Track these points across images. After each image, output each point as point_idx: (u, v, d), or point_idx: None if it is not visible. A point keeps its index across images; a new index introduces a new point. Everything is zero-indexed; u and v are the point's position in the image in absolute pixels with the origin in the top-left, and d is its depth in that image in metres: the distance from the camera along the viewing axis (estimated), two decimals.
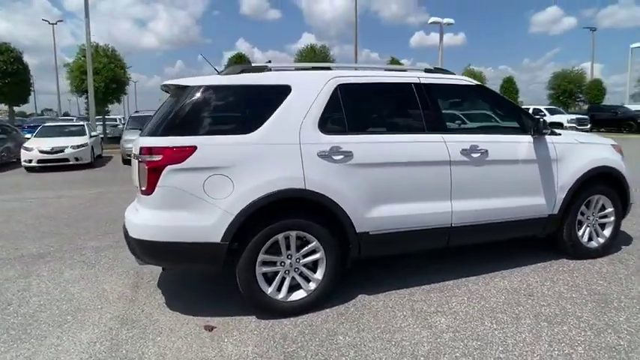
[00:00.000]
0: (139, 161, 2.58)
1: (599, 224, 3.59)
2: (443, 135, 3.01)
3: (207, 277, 3.44)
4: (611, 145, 3.70)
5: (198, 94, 2.66)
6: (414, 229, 2.92)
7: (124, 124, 19.75)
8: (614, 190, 3.56)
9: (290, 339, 2.45)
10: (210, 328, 2.59)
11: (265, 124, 2.65)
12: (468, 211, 3.04)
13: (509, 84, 31.49)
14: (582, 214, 3.49)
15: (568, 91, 33.29)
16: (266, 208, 2.56)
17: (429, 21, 24.51)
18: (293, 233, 2.68)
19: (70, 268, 3.73)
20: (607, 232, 3.60)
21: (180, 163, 2.48)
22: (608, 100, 31.89)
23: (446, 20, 24.44)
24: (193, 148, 2.50)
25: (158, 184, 2.50)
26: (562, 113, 23.59)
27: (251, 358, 2.27)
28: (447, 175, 2.97)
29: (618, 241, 3.78)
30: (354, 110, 2.90)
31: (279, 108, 2.70)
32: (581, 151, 3.44)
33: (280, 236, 2.65)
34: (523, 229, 3.34)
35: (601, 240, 3.59)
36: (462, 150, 3.00)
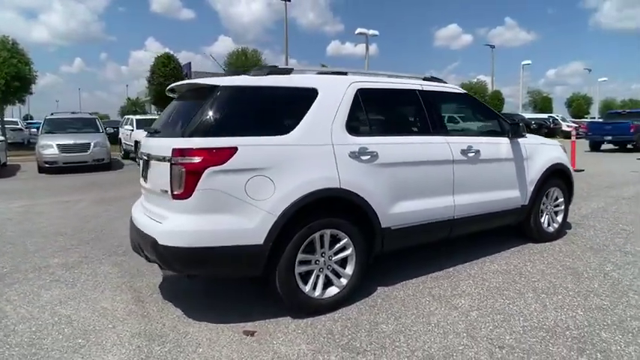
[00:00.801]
0: (172, 164, 2.43)
1: (554, 212, 4.27)
2: (445, 137, 3.35)
3: (209, 283, 3.32)
4: (560, 145, 4.44)
5: (232, 95, 2.60)
6: (426, 223, 3.19)
7: (28, 127, 17.24)
8: (564, 183, 4.28)
9: (337, 333, 2.52)
10: (250, 333, 2.54)
11: (299, 125, 2.70)
12: (466, 204, 3.41)
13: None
14: (543, 203, 4.13)
15: None
16: (305, 208, 2.60)
17: (356, 32, 25.79)
18: (328, 231, 2.75)
19: (44, 289, 3.27)
20: (559, 218, 4.30)
21: (221, 164, 2.41)
22: (504, 109, 36.74)
23: (371, 32, 25.95)
24: (234, 149, 2.44)
25: (197, 187, 2.38)
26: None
27: (309, 355, 2.30)
28: (450, 172, 3.31)
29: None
30: (373, 113, 3.09)
31: (310, 110, 2.76)
32: (543, 150, 4.09)
33: (317, 235, 2.71)
34: (504, 219, 3.83)
35: (556, 225, 4.27)
36: (461, 150, 3.36)
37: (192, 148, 2.40)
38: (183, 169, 2.39)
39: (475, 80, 38.36)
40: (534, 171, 3.92)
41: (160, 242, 2.45)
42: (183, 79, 22.33)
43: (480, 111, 3.98)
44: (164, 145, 2.54)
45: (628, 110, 18.87)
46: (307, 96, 2.80)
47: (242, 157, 2.45)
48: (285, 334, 2.52)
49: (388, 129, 3.27)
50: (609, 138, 15.61)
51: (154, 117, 16.15)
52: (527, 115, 28.02)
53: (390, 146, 3.00)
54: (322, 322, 2.67)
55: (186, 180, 2.39)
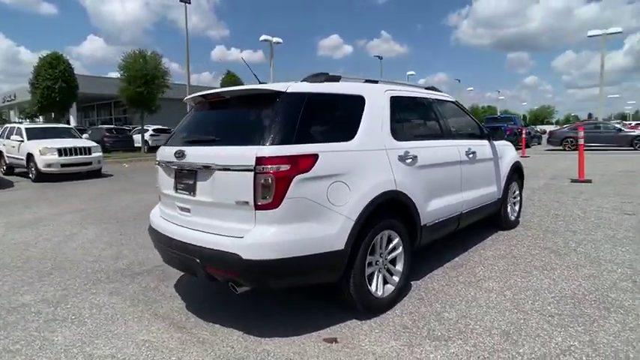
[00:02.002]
0: (257, 173, 2.29)
1: (513, 202, 5.06)
2: (453, 140, 3.76)
3: (239, 297, 3.15)
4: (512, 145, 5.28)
5: (303, 101, 2.55)
6: (446, 218, 3.54)
7: None
8: (519, 177, 5.10)
9: (412, 326, 2.66)
10: (333, 340, 2.53)
11: (359, 131, 2.78)
12: (470, 199, 3.87)
13: None
14: (507, 196, 4.86)
15: None
16: (374, 211, 2.70)
17: (260, 38, 25.74)
18: (386, 232, 2.88)
19: (47, 331, 2.72)
20: (517, 207, 5.11)
21: (307, 172, 2.37)
22: None
23: (275, 39, 26.19)
24: (316, 157, 2.42)
25: (286, 195, 2.30)
26: None
27: (406, 350, 2.39)
28: (459, 172, 3.72)
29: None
30: (406, 119, 3.32)
31: (364, 116, 2.86)
32: (507, 151, 4.83)
33: (379, 236, 2.82)
34: (489, 210, 4.42)
35: (515, 214, 5.06)
36: (465, 152, 3.81)
37: (281, 156, 2.31)
38: (274, 178, 2.28)
39: None
40: (504, 168, 4.62)
41: (245, 257, 2.29)
42: (75, 83, 19.35)
43: (467, 117, 4.52)
44: (237, 154, 2.38)
45: (503, 115, 22.59)
46: (359, 103, 2.90)
47: (323, 163, 2.45)
48: (367, 335, 2.57)
49: (417, 133, 3.54)
50: None
51: (53, 125, 13.70)
52: None
53: (424, 149, 3.27)
54: (389, 318, 2.79)
55: (276, 189, 2.28)
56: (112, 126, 25.89)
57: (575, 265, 3.67)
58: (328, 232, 2.46)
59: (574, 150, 15.70)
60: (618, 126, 20.31)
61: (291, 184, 2.31)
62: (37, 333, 2.69)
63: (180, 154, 2.72)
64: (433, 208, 3.34)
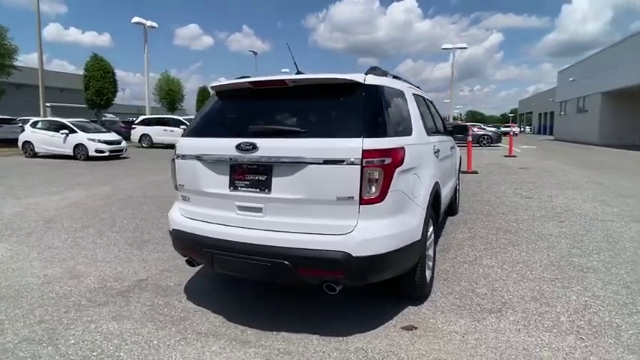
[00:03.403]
0: (364, 166, 2.20)
1: (457, 192, 5.86)
2: (446, 136, 4.19)
3: (267, 298, 2.98)
4: None
5: (380, 94, 2.52)
6: (447, 205, 3.94)
7: None
8: (459, 171, 5.93)
9: (460, 304, 2.92)
10: (412, 328, 2.62)
11: (413, 125, 2.90)
12: (451, 187, 4.38)
13: (205, 93, 34.04)
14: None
15: None
16: (431, 201, 2.86)
17: (133, 21, 22.96)
18: (430, 221, 3.08)
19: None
20: (458, 195, 5.93)
21: (401, 165, 2.39)
22: None
23: (149, 23, 23.60)
24: (404, 149, 2.45)
25: (390, 188, 2.29)
26: None
27: (478, 325, 2.63)
28: (450, 163, 4.18)
29: None
30: (423, 116, 3.55)
31: (411, 112, 2.99)
32: (456, 147, 5.53)
33: (431, 227, 3.01)
34: (454, 196, 5.03)
35: (458, 202, 5.87)
36: (450, 147, 4.29)
37: (384, 149, 2.27)
38: (381, 172, 2.23)
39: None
40: (458, 161, 5.32)
41: (355, 254, 2.20)
42: None
43: (439, 114, 5.02)
44: (339, 147, 2.24)
45: None
46: (405, 99, 3.01)
47: (408, 156, 2.50)
48: (435, 318, 2.73)
49: (431, 129, 3.81)
50: None
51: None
52: None
53: (439, 143, 3.58)
54: (437, 301, 3.00)
55: (383, 183, 2.25)
56: None
57: (531, 240, 4.50)
58: (413, 223, 2.53)
59: None
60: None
61: (393, 176, 2.31)
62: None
63: (248, 147, 2.39)
64: (444, 195, 3.68)
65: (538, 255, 3.99)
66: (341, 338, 2.48)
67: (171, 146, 21.36)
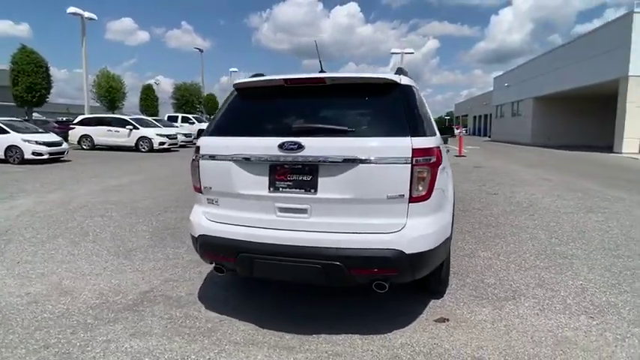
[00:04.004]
0: (414, 165, 2.25)
1: None
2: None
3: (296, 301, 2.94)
4: None
5: (414, 94, 2.58)
6: None
7: None
8: None
9: (477, 295, 3.09)
10: (444, 320, 2.71)
11: (433, 123, 2.99)
12: None
13: (149, 92, 32.19)
14: None
15: (190, 102, 38.41)
16: None
17: (68, 11, 20.99)
18: None
19: None
20: None
21: (442, 163, 2.47)
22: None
23: (87, 14, 21.79)
24: (439, 148, 2.53)
25: (435, 186, 2.36)
26: (203, 121, 27.11)
27: (501, 313, 2.79)
28: None
29: None
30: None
31: (428, 111, 3.09)
32: None
33: None
34: None
35: None
36: None
37: (429, 148, 2.33)
38: (429, 170, 2.29)
39: (190, 82, 39.31)
40: None
41: (408, 252, 2.24)
42: None
43: None
44: (391, 146, 2.26)
45: None
46: (423, 99, 3.11)
47: (443, 154, 2.59)
48: (460, 309, 2.85)
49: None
50: None
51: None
52: None
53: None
54: (454, 293, 3.13)
55: (430, 181, 2.30)
56: None
57: (513, 232, 4.85)
58: (447, 219, 2.63)
59: None
60: None
61: (437, 174, 2.38)
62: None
63: (293, 146, 2.32)
64: None
65: (525, 246, 4.31)
66: (383, 335, 2.50)
67: (116, 148, 19.87)
